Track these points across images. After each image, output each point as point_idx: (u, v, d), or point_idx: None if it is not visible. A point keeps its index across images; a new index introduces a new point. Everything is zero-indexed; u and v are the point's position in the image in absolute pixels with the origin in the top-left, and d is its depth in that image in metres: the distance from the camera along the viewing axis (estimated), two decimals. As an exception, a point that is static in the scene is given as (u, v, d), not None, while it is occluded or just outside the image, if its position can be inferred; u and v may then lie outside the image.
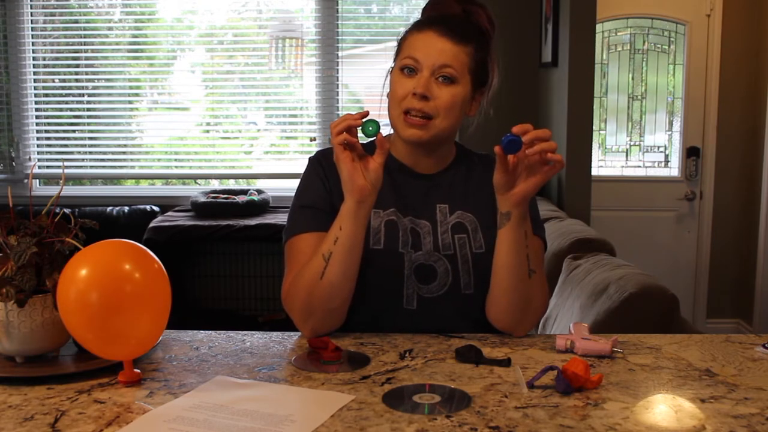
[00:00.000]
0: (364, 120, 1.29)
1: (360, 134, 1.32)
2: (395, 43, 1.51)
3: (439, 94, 1.39)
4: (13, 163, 4.41)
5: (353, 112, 1.30)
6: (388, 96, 1.48)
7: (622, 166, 4.56)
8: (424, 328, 1.43)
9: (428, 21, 1.44)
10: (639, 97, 4.51)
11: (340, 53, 4.30)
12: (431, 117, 1.40)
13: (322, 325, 1.38)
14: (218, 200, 3.97)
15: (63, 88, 4.51)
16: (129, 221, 4.07)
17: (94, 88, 4.52)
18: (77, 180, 4.59)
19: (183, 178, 4.60)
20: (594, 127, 3.79)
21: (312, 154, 1.54)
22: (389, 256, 1.42)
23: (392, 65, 1.49)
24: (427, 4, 1.51)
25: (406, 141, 1.44)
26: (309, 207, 1.46)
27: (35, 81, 4.40)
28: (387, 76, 1.51)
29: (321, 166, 1.50)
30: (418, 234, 1.46)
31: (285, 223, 1.50)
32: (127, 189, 4.58)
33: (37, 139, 4.45)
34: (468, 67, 1.42)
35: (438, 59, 1.39)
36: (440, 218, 1.48)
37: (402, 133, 1.42)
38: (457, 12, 1.46)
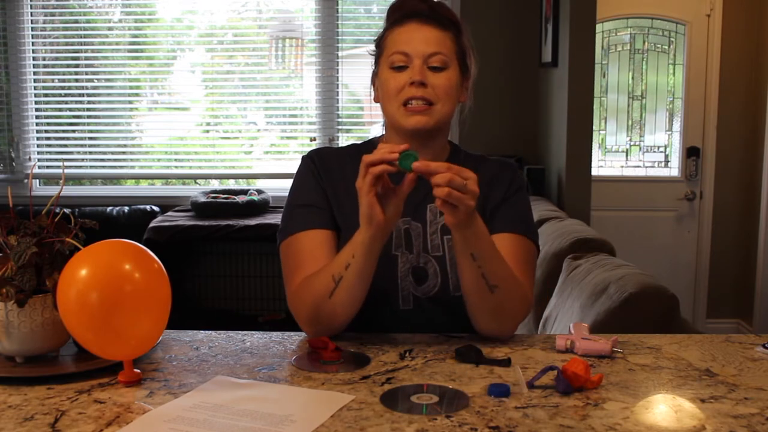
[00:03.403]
0: (402, 153, 1.22)
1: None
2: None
3: (434, 80, 1.39)
4: (13, 163, 4.41)
5: (393, 147, 1.23)
6: (375, 100, 1.48)
7: (622, 166, 4.56)
8: (420, 328, 1.43)
9: (404, 15, 1.44)
10: (639, 97, 4.51)
11: (340, 53, 4.30)
12: (432, 103, 1.39)
13: (327, 331, 1.38)
14: (218, 200, 3.97)
15: (63, 88, 4.50)
16: (129, 221, 4.07)
17: (94, 88, 4.52)
18: (77, 180, 4.59)
19: (183, 178, 4.60)
20: (594, 127, 3.79)
21: (305, 153, 1.54)
22: (383, 258, 1.38)
23: (374, 69, 1.49)
24: (392, 6, 1.50)
25: (411, 130, 1.41)
26: (305, 205, 1.46)
27: (35, 81, 4.40)
28: (372, 82, 1.50)
29: (314, 164, 1.49)
30: (410, 235, 1.46)
31: None
32: (127, 189, 4.58)
33: (37, 139, 4.45)
34: (454, 51, 1.43)
35: (427, 47, 1.39)
36: (430, 218, 1.47)
37: (405, 124, 1.40)
38: (422, 8, 1.46)
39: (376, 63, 1.49)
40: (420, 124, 1.40)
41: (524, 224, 1.48)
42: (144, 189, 4.56)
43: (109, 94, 4.51)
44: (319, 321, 1.36)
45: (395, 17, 1.46)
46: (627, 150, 4.55)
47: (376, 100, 1.49)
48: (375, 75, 1.49)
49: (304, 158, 1.52)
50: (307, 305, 1.36)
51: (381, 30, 1.50)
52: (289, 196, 1.50)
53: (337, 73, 4.31)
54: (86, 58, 4.46)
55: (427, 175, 1.21)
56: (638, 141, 4.55)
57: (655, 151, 4.56)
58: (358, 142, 1.59)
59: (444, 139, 1.51)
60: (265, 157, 4.65)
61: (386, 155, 1.22)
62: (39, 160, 4.46)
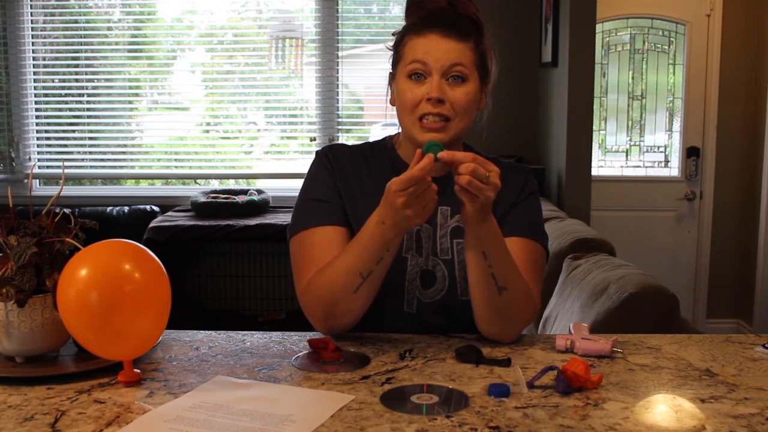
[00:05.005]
0: (427, 144, 1.25)
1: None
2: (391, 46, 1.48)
3: (452, 95, 1.36)
4: (13, 163, 4.41)
5: (419, 170, 1.22)
6: (391, 103, 1.46)
7: (622, 166, 4.56)
8: (422, 331, 1.43)
9: (425, 22, 1.40)
10: (639, 97, 4.51)
11: (340, 53, 4.30)
12: (448, 119, 1.37)
13: (341, 327, 1.38)
14: (218, 200, 3.97)
15: (63, 88, 4.50)
16: (129, 221, 4.07)
17: (94, 88, 4.52)
18: (77, 180, 4.59)
19: (183, 178, 4.60)
20: (594, 127, 3.79)
21: (319, 149, 1.52)
22: (393, 260, 1.37)
23: (391, 71, 1.47)
24: (410, 2, 1.47)
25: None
26: (319, 201, 1.45)
27: (35, 81, 4.40)
28: (389, 83, 1.48)
29: (329, 161, 1.49)
30: (420, 238, 1.45)
31: (285, 222, 1.48)
32: (127, 189, 4.58)
33: (37, 139, 4.45)
34: (474, 62, 1.39)
35: (447, 60, 1.36)
36: (441, 221, 1.46)
37: (419, 139, 1.37)
38: (443, 6, 1.43)
39: (394, 67, 1.46)
40: (435, 140, 1.38)
41: (535, 229, 1.47)
42: (144, 189, 4.56)
43: (109, 94, 4.51)
44: (336, 317, 1.36)
45: (414, 20, 1.43)
46: (627, 150, 4.55)
47: (392, 103, 1.46)
48: (392, 78, 1.46)
49: (318, 154, 1.51)
50: (324, 301, 1.35)
51: (401, 28, 1.46)
52: (302, 191, 1.49)
53: (337, 73, 4.31)
54: (86, 58, 4.46)
55: (452, 164, 1.23)
56: (638, 141, 4.54)
57: (655, 151, 4.56)
58: (371, 140, 1.58)
59: (458, 146, 1.49)
60: (265, 157, 4.65)
61: (425, 168, 1.22)
62: (39, 160, 4.46)
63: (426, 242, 1.45)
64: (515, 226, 1.44)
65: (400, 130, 1.49)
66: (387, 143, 1.54)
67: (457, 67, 1.37)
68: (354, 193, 1.46)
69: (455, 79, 1.37)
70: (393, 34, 1.48)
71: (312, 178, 1.49)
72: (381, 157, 1.51)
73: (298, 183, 1.53)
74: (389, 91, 1.48)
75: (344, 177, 1.47)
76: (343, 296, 1.33)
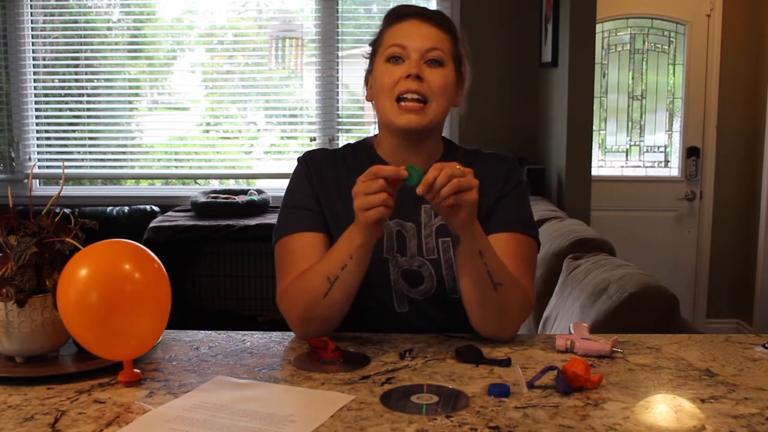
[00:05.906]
0: (408, 168, 1.23)
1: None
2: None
3: (430, 76, 1.38)
4: (13, 163, 4.40)
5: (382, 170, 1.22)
6: (368, 99, 1.48)
7: (622, 166, 4.57)
8: (419, 329, 1.43)
9: (405, 14, 1.44)
10: (639, 97, 4.51)
11: (340, 53, 4.30)
12: (426, 100, 1.38)
13: (318, 332, 1.38)
14: (218, 200, 3.96)
15: (63, 88, 4.50)
16: (129, 221, 4.07)
17: (94, 88, 4.52)
18: (77, 180, 4.59)
19: (183, 178, 4.60)
20: (594, 127, 3.79)
21: (300, 155, 1.54)
22: (374, 262, 1.36)
23: (368, 68, 1.48)
24: (390, 11, 1.49)
25: (403, 129, 1.39)
26: (299, 207, 1.46)
27: (35, 81, 4.40)
28: (365, 81, 1.50)
29: (308, 168, 1.50)
30: (403, 238, 1.45)
31: None
32: (127, 189, 4.58)
33: (37, 139, 4.45)
34: (451, 52, 1.42)
35: (425, 43, 1.39)
36: (425, 220, 1.46)
37: (397, 122, 1.38)
38: (421, 11, 1.46)
39: (371, 62, 1.48)
40: (412, 123, 1.38)
41: (523, 222, 1.46)
42: (144, 189, 4.56)
43: (109, 94, 4.51)
44: (311, 321, 1.36)
45: (392, 18, 1.46)
46: (627, 150, 4.55)
47: (369, 99, 1.48)
48: (369, 73, 1.49)
49: (299, 160, 1.53)
50: (299, 306, 1.36)
51: (377, 32, 1.49)
52: (285, 197, 1.51)
53: (337, 73, 4.31)
54: (86, 58, 4.46)
55: (431, 189, 1.20)
56: (638, 141, 4.55)
57: (655, 151, 4.56)
58: (353, 141, 1.59)
59: (437, 139, 1.50)
60: (265, 157, 4.65)
61: (390, 174, 1.22)
62: (39, 160, 4.46)
63: (410, 241, 1.44)
64: (504, 222, 1.44)
65: (377, 132, 1.50)
66: (367, 143, 1.54)
67: (434, 51, 1.39)
68: (333, 197, 1.47)
69: (433, 63, 1.39)
70: (370, 45, 1.50)
71: (292, 185, 1.51)
72: (361, 157, 1.51)
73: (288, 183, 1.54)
74: (365, 89, 1.50)
75: (323, 182, 1.48)
76: (314, 301, 1.33)
